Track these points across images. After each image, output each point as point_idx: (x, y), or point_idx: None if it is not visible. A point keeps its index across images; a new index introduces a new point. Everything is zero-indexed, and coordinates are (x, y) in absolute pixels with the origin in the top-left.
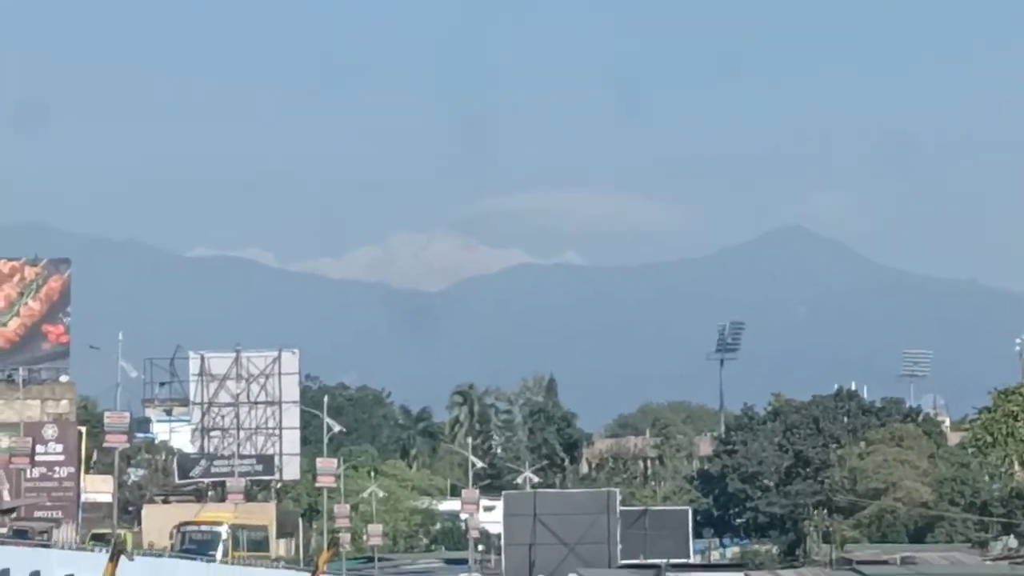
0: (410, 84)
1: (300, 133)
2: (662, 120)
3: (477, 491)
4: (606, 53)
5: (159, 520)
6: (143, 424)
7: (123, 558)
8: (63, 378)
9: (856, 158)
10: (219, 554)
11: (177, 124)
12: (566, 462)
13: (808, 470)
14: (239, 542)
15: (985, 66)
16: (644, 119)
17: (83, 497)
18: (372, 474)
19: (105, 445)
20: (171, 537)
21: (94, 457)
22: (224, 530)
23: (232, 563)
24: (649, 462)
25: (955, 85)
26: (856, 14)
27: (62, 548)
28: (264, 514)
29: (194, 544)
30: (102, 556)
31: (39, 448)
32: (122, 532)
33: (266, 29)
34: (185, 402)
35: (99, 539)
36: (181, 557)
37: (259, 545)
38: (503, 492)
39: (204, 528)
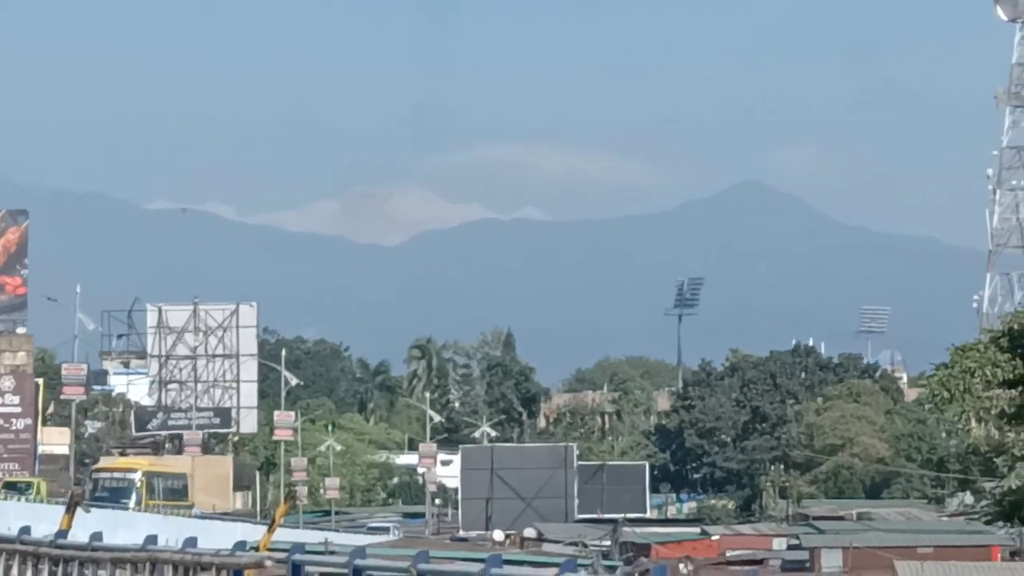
0: (372, 33)
1: (259, 82)
2: (627, 67)
3: (435, 445)
4: (571, 3)
5: None
6: (100, 376)
7: (79, 510)
8: (20, 330)
9: (820, 113)
10: (132, 502)
11: (136, 73)
12: (524, 416)
13: (765, 426)
14: (154, 490)
15: (952, 22)
16: (608, 65)
17: (40, 449)
18: (330, 428)
19: (62, 397)
20: (84, 483)
21: (51, 409)
22: (138, 477)
23: (144, 511)
24: (607, 417)
25: (929, 45)
26: None
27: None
28: (220, 466)
29: (106, 491)
30: (56, 508)
31: None
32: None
33: None
34: (143, 355)
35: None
36: (93, 505)
37: (177, 494)
38: (460, 446)
39: (117, 475)
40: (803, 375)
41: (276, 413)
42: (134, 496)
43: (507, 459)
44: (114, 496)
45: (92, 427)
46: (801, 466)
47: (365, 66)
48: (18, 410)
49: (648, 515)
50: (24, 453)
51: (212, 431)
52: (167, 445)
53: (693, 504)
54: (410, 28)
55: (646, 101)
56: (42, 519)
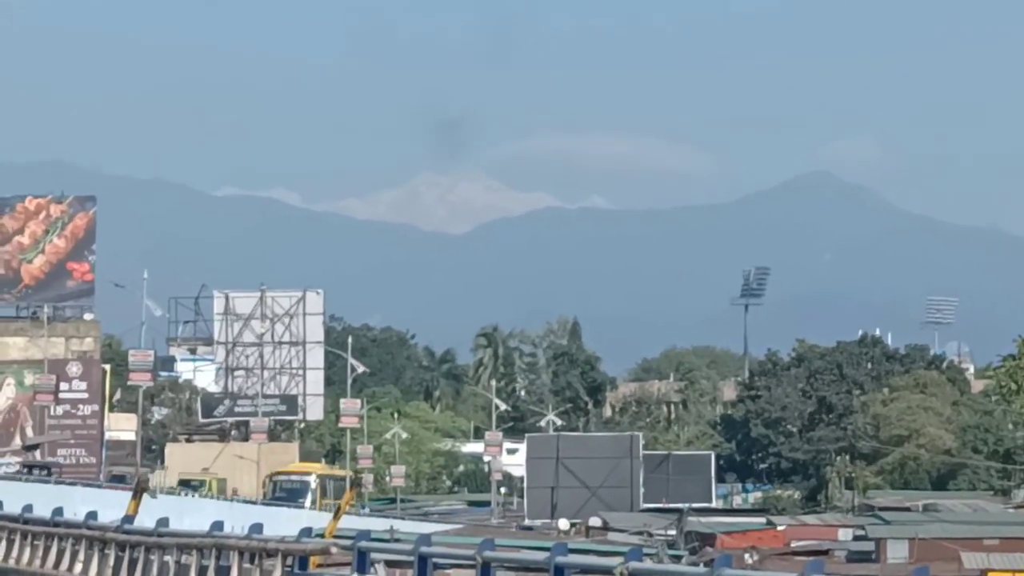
0: (437, 22)
1: (325, 68)
2: (690, 65)
3: (500, 433)
4: None
5: (183, 459)
6: (167, 363)
7: (146, 496)
8: (87, 316)
9: (883, 103)
10: (308, 502)
11: (202, 60)
12: (589, 406)
13: (831, 416)
14: (326, 491)
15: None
16: (673, 63)
17: (107, 435)
18: (395, 415)
19: (129, 383)
20: (263, 486)
21: (118, 395)
22: (313, 479)
23: (320, 510)
24: (672, 407)
25: (989, 40)
26: None
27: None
28: (285, 453)
29: (284, 492)
30: (124, 495)
31: (63, 386)
32: (144, 471)
33: None
34: (209, 341)
35: (120, 480)
36: (272, 504)
37: (343, 494)
38: (526, 435)
39: (295, 478)
40: (869, 365)
41: (342, 401)
42: (309, 496)
43: (572, 448)
44: (291, 496)
45: (159, 414)
46: (867, 457)
47: (430, 57)
48: (85, 396)
49: (714, 505)
50: (91, 439)
51: (278, 418)
52: (233, 432)
53: (759, 494)
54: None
55: (710, 94)
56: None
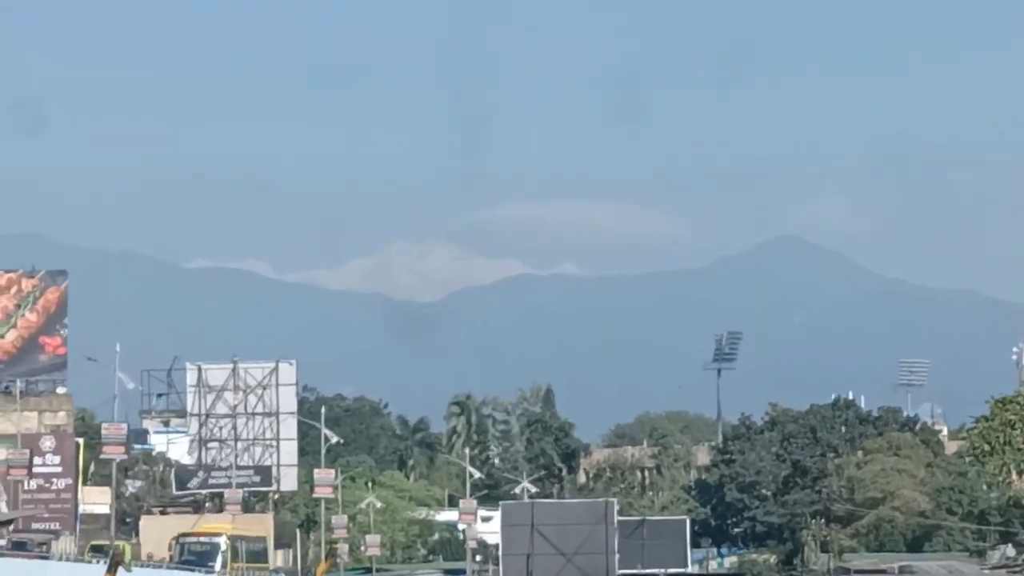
0: (406, 89)
1: (294, 139)
2: (660, 127)
3: (475, 501)
4: (605, 58)
5: (157, 531)
6: (140, 435)
7: (121, 569)
8: (60, 390)
9: (853, 164)
10: (218, 565)
11: (170, 131)
12: (564, 472)
13: (806, 479)
14: (238, 553)
15: (983, 68)
16: (643, 126)
17: (81, 508)
18: (370, 485)
19: (103, 456)
20: (170, 548)
21: (92, 468)
22: (223, 541)
23: (230, 575)
24: (647, 472)
25: (953, 88)
26: (851, 17)
27: (61, 560)
28: (262, 525)
29: (193, 555)
30: (101, 568)
31: (37, 460)
32: (120, 544)
33: (260, 32)
34: (183, 413)
35: (98, 550)
36: (180, 569)
37: (257, 556)
38: (501, 502)
39: (203, 539)
40: (843, 428)
41: (316, 471)
42: (219, 559)
43: (547, 515)
44: (200, 560)
45: (133, 486)
46: (842, 520)
47: (399, 127)
48: (59, 470)
49: (689, 570)
50: (65, 512)
51: (252, 489)
52: (207, 504)
53: (734, 559)
54: (447, 81)
55: (680, 158)
56: None
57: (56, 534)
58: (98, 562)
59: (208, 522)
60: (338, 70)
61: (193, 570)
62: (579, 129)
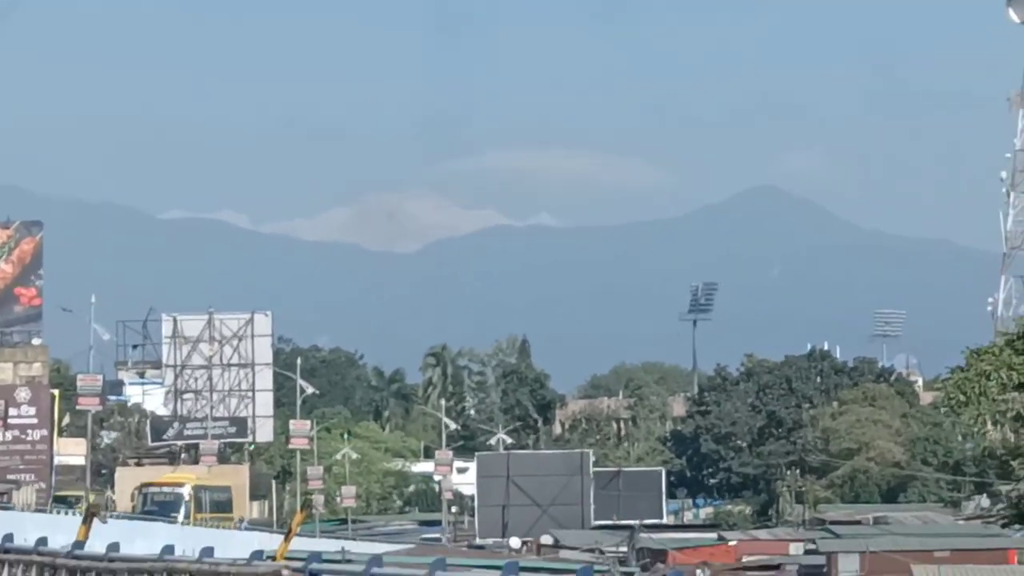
0: (385, 42)
1: (272, 91)
2: (640, 72)
3: (450, 453)
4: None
5: (132, 482)
6: (116, 387)
7: (96, 520)
8: (36, 341)
9: (832, 114)
10: (181, 515)
11: (149, 82)
12: (539, 423)
13: (781, 430)
14: (202, 503)
15: (966, 21)
16: (622, 70)
17: (56, 460)
18: (345, 436)
19: (78, 408)
20: (133, 499)
21: (67, 420)
22: (187, 491)
23: (194, 524)
24: (622, 423)
25: (935, 39)
26: None
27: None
28: (238, 476)
29: (156, 505)
30: (75, 519)
31: (11, 411)
32: (92, 495)
33: None
34: (158, 365)
35: (61, 501)
36: (143, 518)
37: (222, 506)
38: (476, 453)
39: (166, 489)
40: (818, 379)
41: (292, 422)
42: (183, 509)
43: (523, 466)
44: (164, 510)
45: (108, 438)
46: (817, 471)
47: (378, 74)
48: (34, 421)
49: (665, 521)
50: (40, 464)
51: (228, 440)
52: (183, 455)
53: (710, 509)
54: (423, 36)
55: (657, 107)
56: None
57: (17, 484)
58: (68, 513)
59: (180, 472)
60: (316, 22)
61: (156, 519)
62: (554, 81)
